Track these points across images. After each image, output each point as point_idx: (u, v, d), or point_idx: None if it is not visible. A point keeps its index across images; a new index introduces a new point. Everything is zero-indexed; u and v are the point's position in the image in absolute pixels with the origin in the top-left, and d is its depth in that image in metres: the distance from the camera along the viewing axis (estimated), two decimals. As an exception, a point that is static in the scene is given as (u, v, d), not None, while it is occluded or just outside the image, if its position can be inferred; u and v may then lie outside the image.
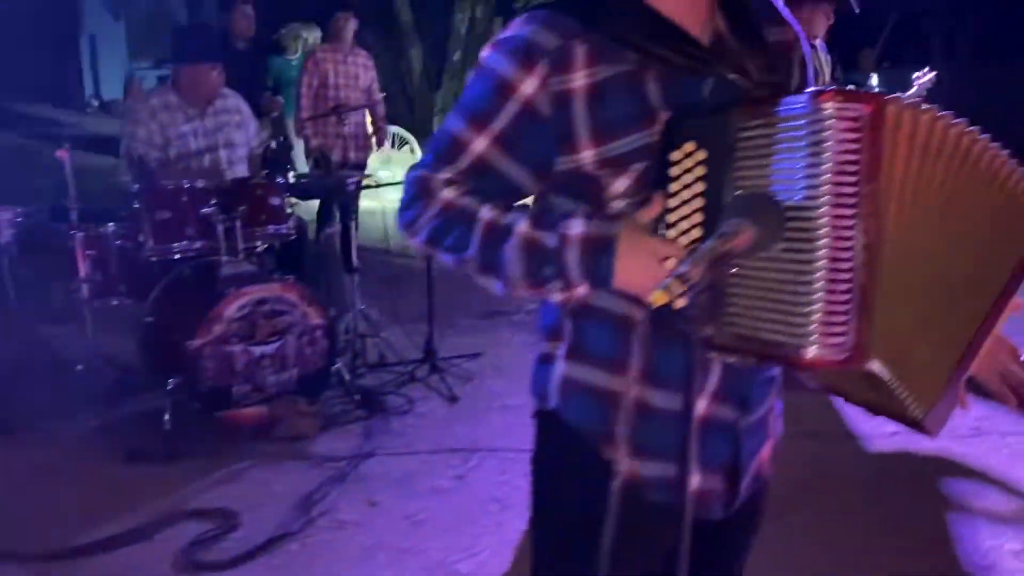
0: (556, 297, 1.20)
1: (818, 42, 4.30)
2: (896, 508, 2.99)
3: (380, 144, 5.40)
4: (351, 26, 5.63)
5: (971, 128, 1.09)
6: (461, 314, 4.90)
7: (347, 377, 3.84)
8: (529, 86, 1.15)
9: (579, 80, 1.14)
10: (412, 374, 4.10)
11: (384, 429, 3.58)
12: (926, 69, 4.45)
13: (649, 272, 1.08)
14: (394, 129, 8.46)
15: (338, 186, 4.14)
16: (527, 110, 1.16)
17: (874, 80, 4.67)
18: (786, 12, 1.30)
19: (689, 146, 1.12)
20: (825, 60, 4.40)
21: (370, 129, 5.76)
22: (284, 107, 6.49)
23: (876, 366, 1.00)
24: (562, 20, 1.16)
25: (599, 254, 1.12)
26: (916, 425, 1.09)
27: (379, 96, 5.86)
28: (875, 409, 1.14)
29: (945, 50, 9.99)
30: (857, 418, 3.56)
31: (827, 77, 4.39)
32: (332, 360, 3.68)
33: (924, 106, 1.05)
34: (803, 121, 1.02)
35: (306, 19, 6.98)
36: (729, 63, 1.17)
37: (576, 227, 1.13)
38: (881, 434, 3.45)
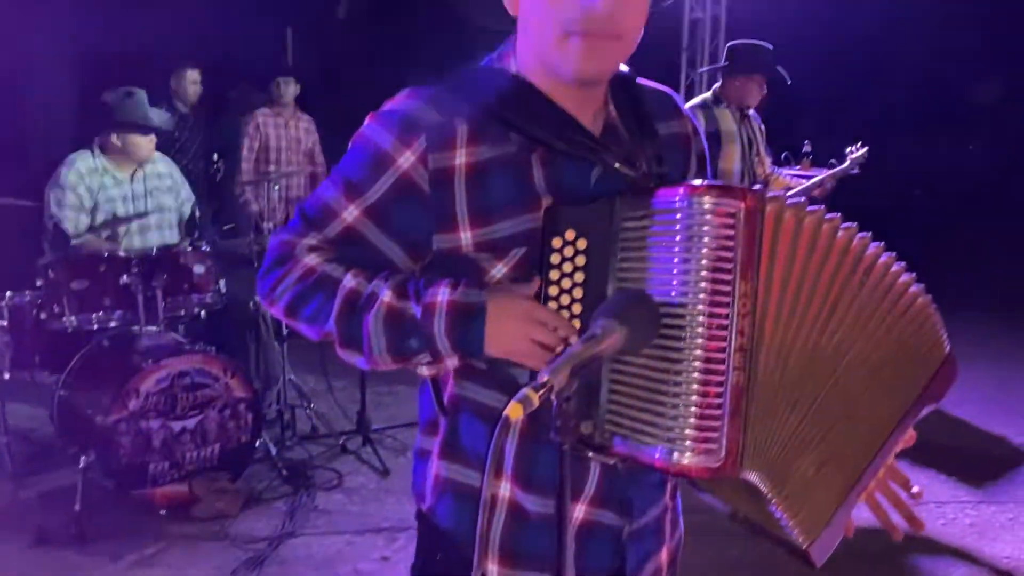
0: (424, 371, 1.14)
1: (752, 112, 4.37)
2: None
3: None
4: (292, 90, 5.61)
5: (864, 234, 1.05)
6: (401, 381, 4.79)
7: (273, 451, 3.70)
8: (406, 160, 1.12)
9: (459, 158, 1.11)
10: (343, 446, 3.97)
11: (310, 506, 3.43)
12: (859, 143, 4.51)
13: (524, 336, 1.03)
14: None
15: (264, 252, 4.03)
16: (403, 184, 1.12)
17: (807, 147, 4.75)
18: (684, 106, 1.28)
19: (570, 233, 1.08)
20: (759, 130, 4.46)
21: None
22: (226, 170, 6.39)
23: (752, 476, 0.94)
24: (446, 97, 1.14)
25: (468, 322, 1.06)
26: (800, 553, 1.01)
27: (321, 160, 5.81)
28: (762, 533, 1.07)
29: (883, 122, 10.27)
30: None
31: (761, 146, 4.44)
32: (257, 434, 3.54)
33: (811, 207, 1.01)
34: (679, 215, 0.98)
35: (251, 83, 6.93)
36: (618, 153, 1.14)
37: (442, 295, 1.08)
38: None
